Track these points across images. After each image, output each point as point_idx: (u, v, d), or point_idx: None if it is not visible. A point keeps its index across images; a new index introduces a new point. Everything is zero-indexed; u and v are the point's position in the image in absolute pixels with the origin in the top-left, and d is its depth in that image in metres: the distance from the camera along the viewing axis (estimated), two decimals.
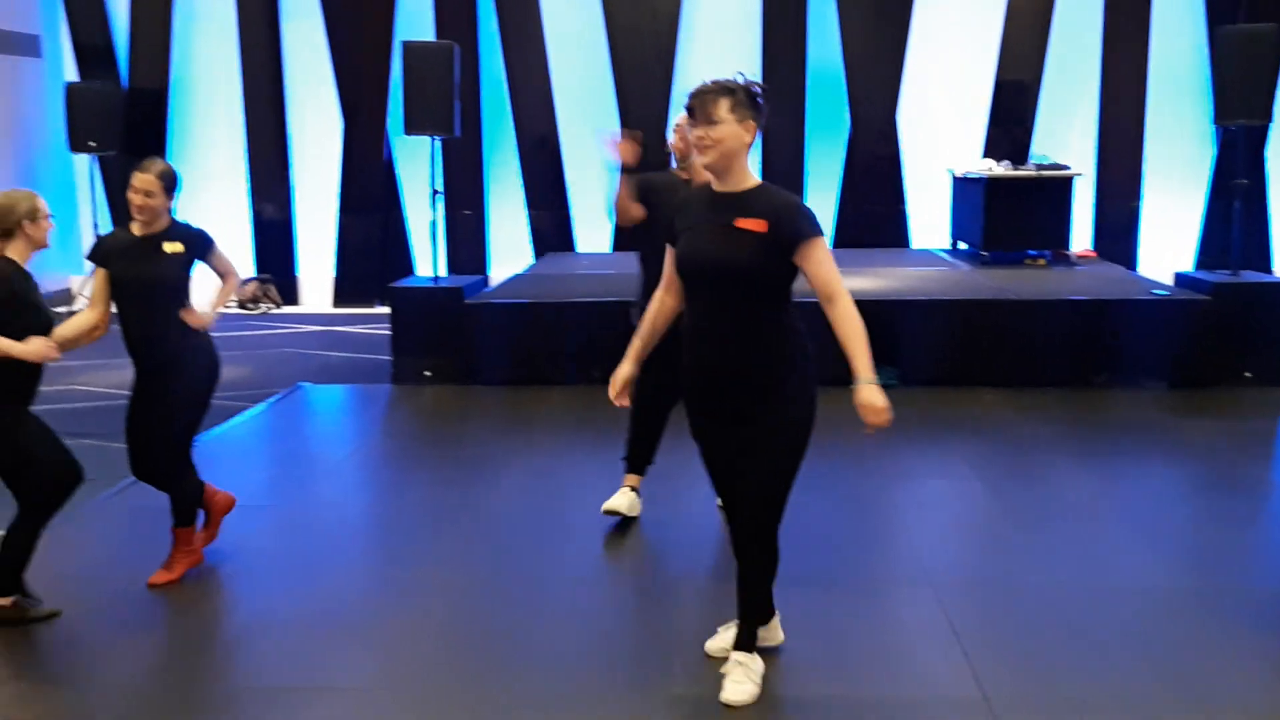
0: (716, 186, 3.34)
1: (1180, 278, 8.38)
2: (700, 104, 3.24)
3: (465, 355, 7.83)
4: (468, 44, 10.47)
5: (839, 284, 3.26)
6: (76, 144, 10.75)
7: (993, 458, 6.03)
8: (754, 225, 3.22)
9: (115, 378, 7.47)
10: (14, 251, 3.87)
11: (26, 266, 3.95)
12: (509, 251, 11.24)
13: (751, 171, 3.35)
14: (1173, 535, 4.90)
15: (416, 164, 10.70)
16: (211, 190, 11.22)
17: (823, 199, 10.86)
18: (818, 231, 3.27)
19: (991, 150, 10.46)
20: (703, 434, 3.47)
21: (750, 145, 3.29)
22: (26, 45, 11.23)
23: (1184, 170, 10.77)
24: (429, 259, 8.46)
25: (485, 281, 9.28)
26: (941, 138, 10.81)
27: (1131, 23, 10.59)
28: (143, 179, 4.20)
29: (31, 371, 3.92)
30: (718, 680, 3.46)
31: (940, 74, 10.86)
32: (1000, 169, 9.33)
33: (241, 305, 11.15)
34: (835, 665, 3.67)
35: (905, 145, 10.90)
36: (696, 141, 3.26)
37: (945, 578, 4.37)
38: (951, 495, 5.52)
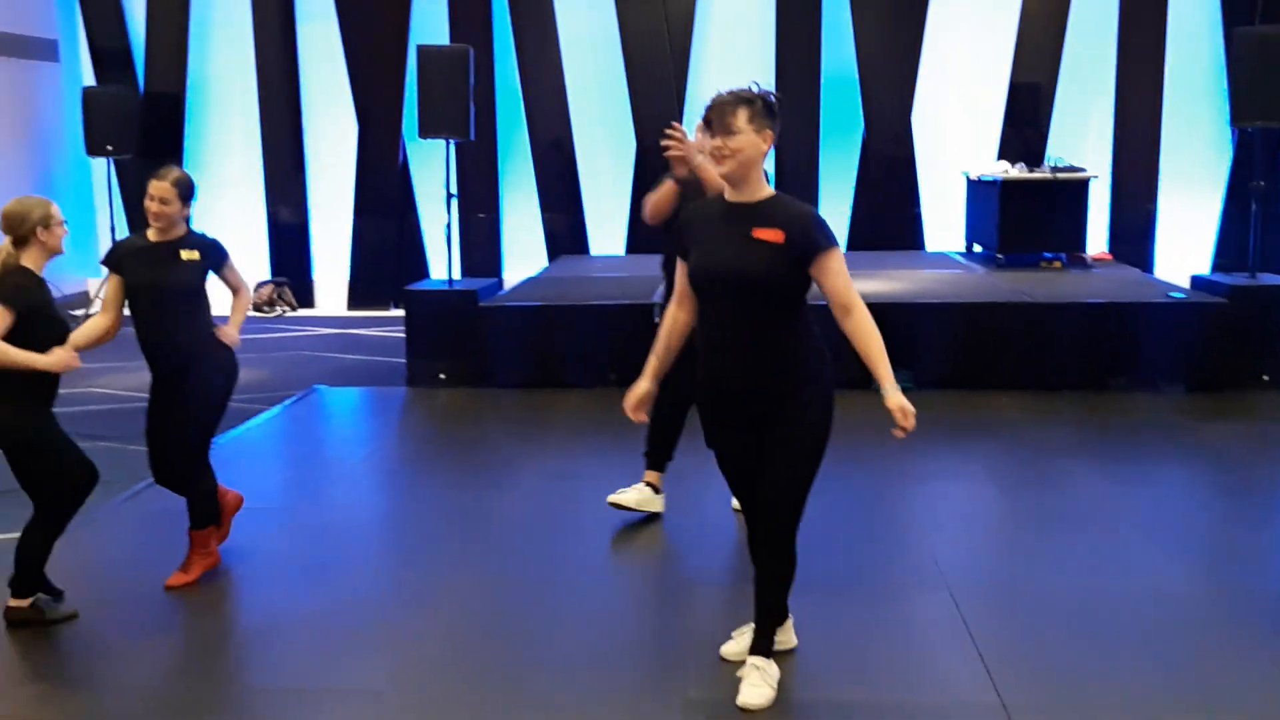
0: (730, 197, 3.34)
1: (1197, 280, 8.34)
2: (719, 115, 3.24)
3: (480, 358, 7.84)
4: (482, 48, 10.48)
5: (854, 295, 3.28)
6: (93, 148, 10.81)
7: (1008, 461, 6.01)
8: (771, 236, 3.22)
9: (132, 380, 7.51)
10: (29, 259, 3.90)
11: (42, 272, 3.97)
12: (523, 254, 11.26)
13: (765, 182, 3.35)
14: (1191, 539, 4.87)
15: (431, 167, 10.72)
16: (227, 193, 11.28)
17: (837, 202, 10.84)
18: (833, 243, 3.28)
19: (1006, 153, 10.42)
20: (719, 443, 3.47)
21: (766, 154, 3.30)
22: (44, 50, 11.30)
23: (1200, 172, 10.72)
24: (444, 262, 8.48)
25: (499, 284, 9.29)
26: (956, 140, 10.78)
27: (1147, 24, 10.54)
28: (159, 186, 4.24)
29: (53, 376, 3.95)
30: (733, 684, 3.45)
31: (955, 76, 10.84)
32: (1015, 171, 9.30)
33: (257, 308, 11.19)
34: (851, 669, 3.66)
35: (920, 148, 10.87)
36: (714, 152, 3.26)
37: (961, 581, 4.36)
38: (967, 499, 5.50)
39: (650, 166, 10.59)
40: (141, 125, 11.14)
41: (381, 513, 5.56)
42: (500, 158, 11.26)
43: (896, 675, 3.62)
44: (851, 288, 3.29)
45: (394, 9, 11.14)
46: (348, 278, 11.61)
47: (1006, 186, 9.08)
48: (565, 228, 11.27)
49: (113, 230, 10.75)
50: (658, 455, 5.09)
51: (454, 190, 8.43)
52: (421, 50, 8.46)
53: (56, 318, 3.96)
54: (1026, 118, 10.71)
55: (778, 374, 3.29)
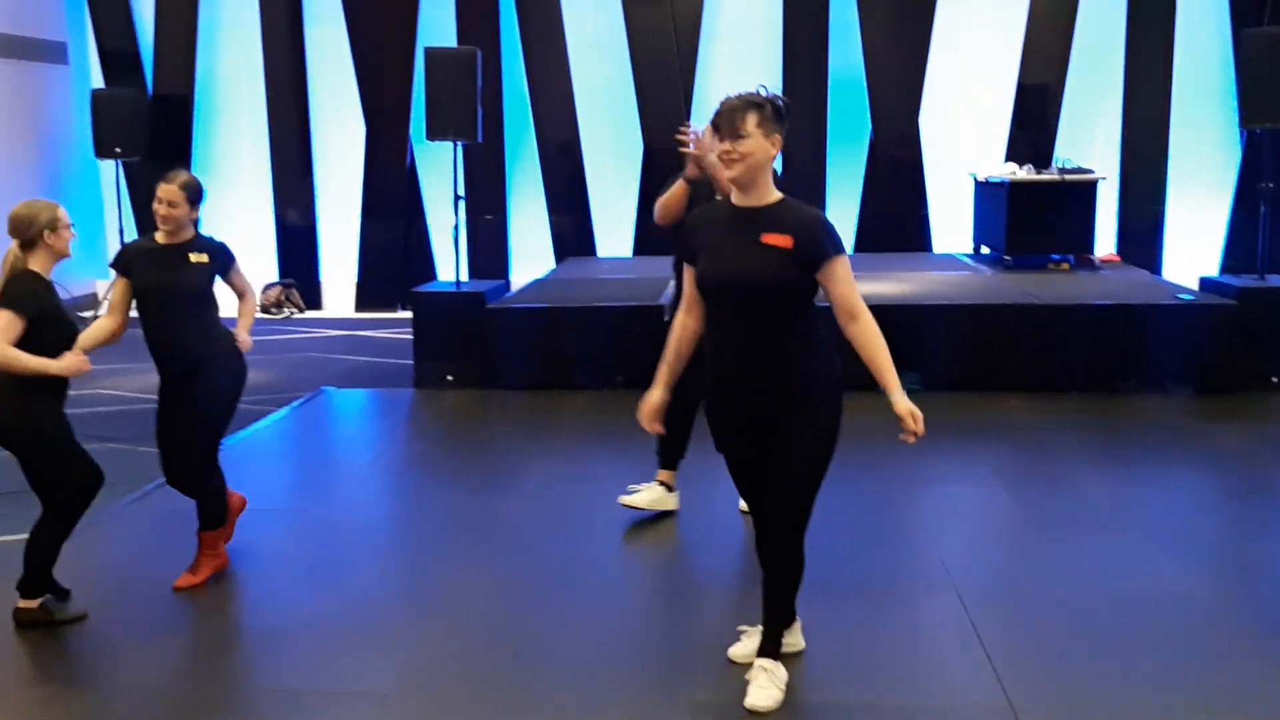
0: (738, 201, 3.34)
1: (1205, 282, 8.32)
2: (728, 119, 3.24)
3: (487, 360, 7.85)
4: (490, 50, 10.50)
5: (860, 302, 3.29)
6: (102, 150, 10.84)
7: (1017, 463, 6.00)
8: (780, 241, 3.22)
9: (140, 382, 7.53)
10: (36, 262, 3.91)
11: (49, 275, 3.98)
12: (530, 256, 11.27)
13: (773, 186, 3.35)
14: (1199, 542, 4.86)
15: (438, 169, 10.73)
16: (235, 195, 11.31)
17: (844, 204, 10.84)
18: (841, 250, 3.28)
19: (1014, 154, 10.41)
20: (728, 445, 3.47)
21: (774, 159, 3.30)
22: (53, 52, 11.34)
23: (1209, 174, 10.70)
24: (451, 264, 8.49)
25: (507, 286, 9.30)
26: (963, 142, 10.77)
27: (1155, 25, 10.52)
28: (166, 189, 4.26)
29: (63, 377, 3.97)
30: (741, 686, 3.45)
31: (962, 77, 10.82)
32: (1023, 173, 9.28)
33: (265, 310, 11.22)
34: (859, 672, 3.66)
35: (927, 149, 10.87)
36: (723, 155, 3.26)
37: (970, 584, 4.35)
38: (975, 501, 5.49)
39: (658, 168, 10.60)
40: (150, 127, 11.18)
41: (389, 514, 5.56)
42: (507, 160, 11.27)
43: (904, 678, 3.62)
44: (857, 295, 3.29)
45: (401, 11, 11.16)
46: (355, 280, 11.63)
47: (1014, 188, 9.07)
48: (572, 230, 11.28)
49: (121, 232, 10.78)
50: (669, 454, 5.09)
51: (461, 192, 8.44)
52: (429, 52, 8.47)
53: (66, 320, 3.98)
54: (1034, 119, 10.70)
55: (786, 377, 3.29)
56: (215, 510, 4.47)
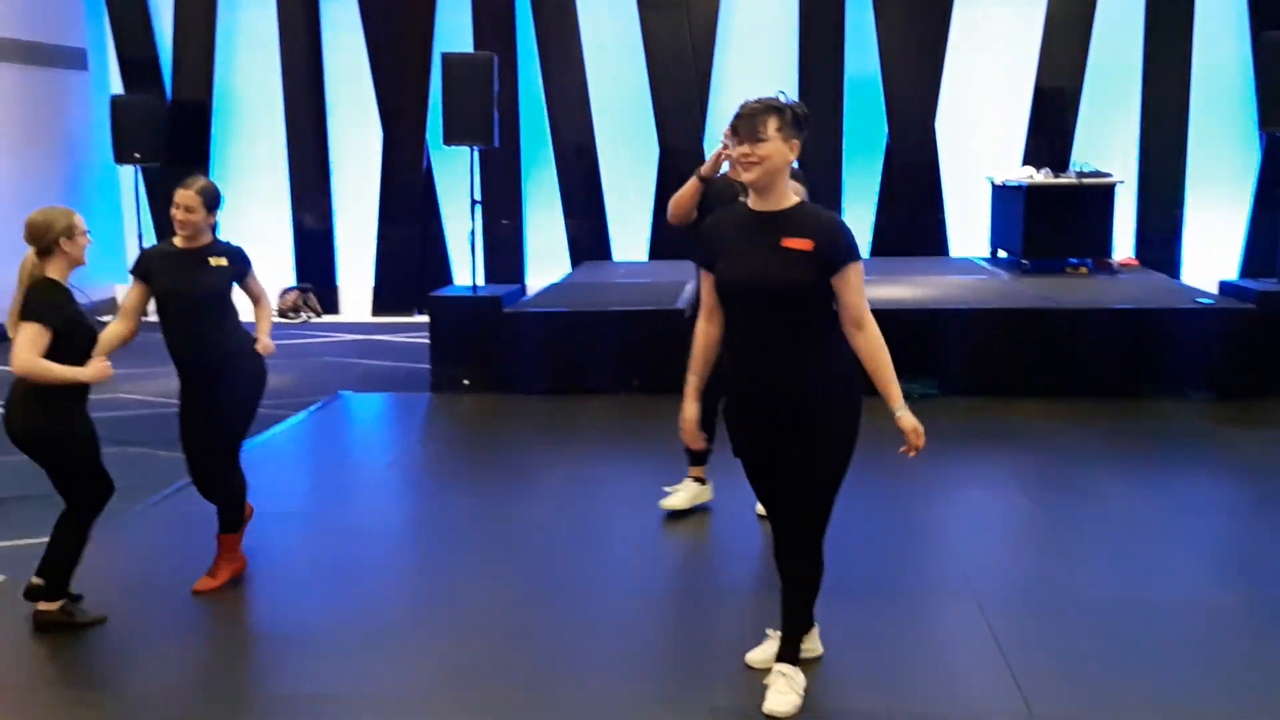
0: (756, 205, 3.34)
1: (1225, 286, 8.27)
2: (747, 122, 3.24)
3: (503, 364, 7.86)
4: (506, 55, 10.53)
5: (868, 312, 3.30)
6: (121, 156, 10.91)
7: (1035, 468, 5.97)
8: (800, 244, 3.22)
9: (160, 386, 7.57)
10: (54, 269, 3.93)
11: (66, 282, 4.00)
12: (546, 260, 11.29)
13: (790, 191, 3.34)
14: (1220, 547, 4.83)
15: (455, 174, 10.76)
16: (253, 200, 11.36)
17: (861, 207, 10.82)
18: (858, 256, 3.29)
19: (1031, 158, 10.38)
20: (748, 451, 3.46)
21: (791, 164, 3.30)
22: (73, 59, 11.43)
23: (1228, 177, 10.64)
24: (467, 268, 8.50)
25: (523, 290, 9.32)
26: (981, 145, 10.74)
27: (1174, 28, 10.47)
28: (184, 195, 4.28)
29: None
30: (759, 691, 3.44)
31: (979, 81, 10.79)
32: (1040, 177, 9.25)
33: (282, 314, 11.27)
34: (878, 677, 3.65)
35: (944, 153, 10.84)
36: (741, 159, 3.26)
37: (989, 589, 4.33)
38: (994, 506, 5.47)
39: (674, 172, 10.61)
40: (169, 133, 11.23)
41: (406, 518, 5.57)
42: (523, 164, 11.29)
43: (923, 684, 3.60)
44: (866, 304, 3.30)
45: (418, 17, 11.20)
46: (372, 284, 11.67)
47: (1032, 192, 9.04)
48: (588, 234, 11.29)
49: (140, 238, 10.85)
50: (697, 451, 5.09)
51: (478, 197, 8.46)
52: (446, 58, 8.49)
53: (86, 325, 4.00)
54: (1052, 122, 10.66)
55: (806, 380, 3.28)
56: (236, 513, 4.49)
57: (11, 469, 5.12)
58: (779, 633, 3.53)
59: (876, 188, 10.92)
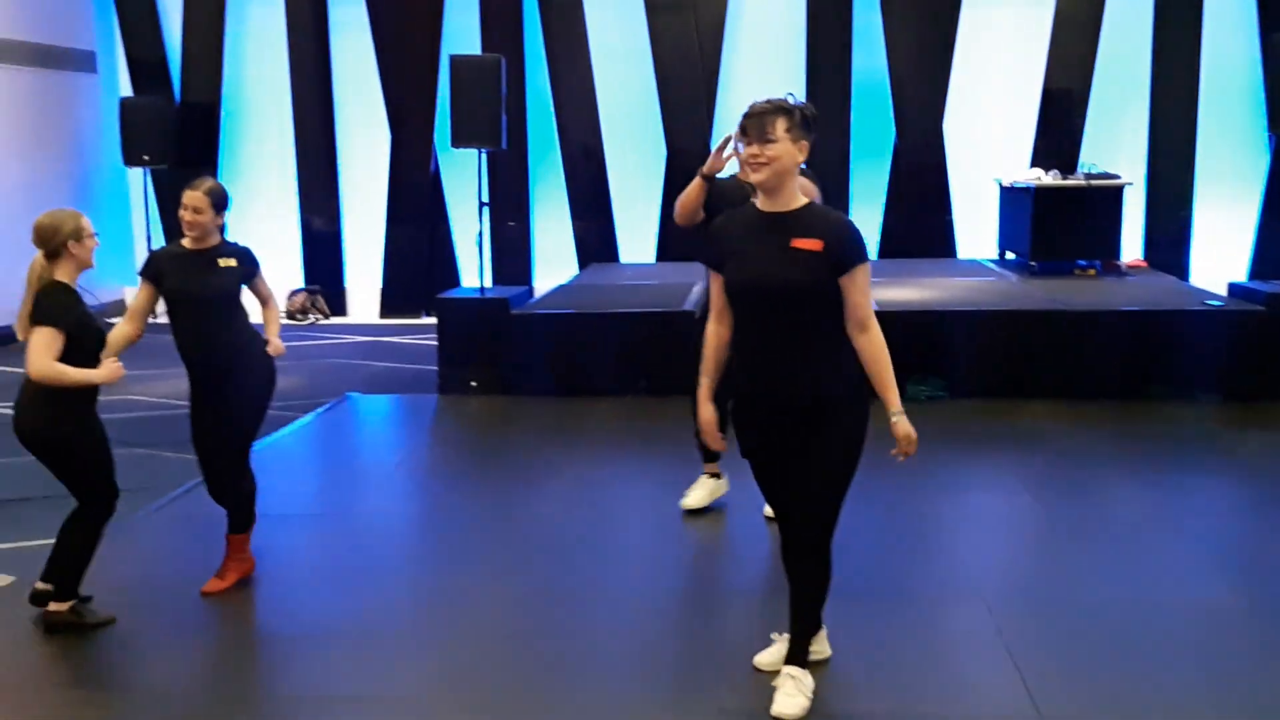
0: (764, 206, 3.34)
1: (1234, 288, 8.25)
2: (756, 123, 3.24)
3: (511, 365, 7.86)
4: (514, 57, 10.54)
5: (872, 314, 3.30)
6: (130, 158, 10.96)
7: (1043, 471, 5.95)
8: (810, 245, 3.22)
9: (168, 388, 7.59)
10: (62, 272, 3.94)
11: (75, 285, 4.01)
12: (553, 262, 11.30)
13: (799, 191, 3.34)
14: (1228, 550, 4.81)
15: (463, 176, 10.78)
16: (261, 202, 11.38)
17: (868, 209, 10.81)
18: (866, 257, 3.30)
19: (1040, 159, 10.35)
20: (757, 452, 3.46)
21: (800, 165, 3.30)
22: (83, 61, 11.47)
23: (1237, 179, 10.61)
24: (475, 270, 8.51)
25: (530, 292, 9.32)
26: (989, 147, 10.72)
27: (1182, 29, 10.45)
28: (191, 196, 4.30)
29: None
30: (767, 694, 3.44)
31: (987, 82, 10.78)
32: (1049, 178, 9.23)
33: (290, 316, 11.29)
34: (886, 680, 3.64)
35: (952, 154, 10.83)
36: (750, 159, 3.26)
37: (997, 592, 4.32)
38: (1002, 508, 5.46)
39: (681, 174, 10.60)
40: (177, 135, 11.28)
41: (413, 519, 5.58)
42: (531, 166, 11.31)
43: (931, 686, 3.60)
44: (871, 306, 3.30)
45: (426, 19, 11.22)
46: (380, 286, 11.69)
47: (1040, 193, 9.02)
48: (596, 236, 11.29)
49: (149, 239, 10.88)
50: (708, 449, 5.10)
51: (486, 199, 8.47)
52: (454, 60, 8.51)
53: (95, 327, 4.02)
54: (1060, 124, 10.64)
55: (815, 380, 3.29)
56: (246, 513, 4.50)
57: (18, 470, 5.14)
58: (787, 635, 3.52)
59: (884, 189, 10.91)
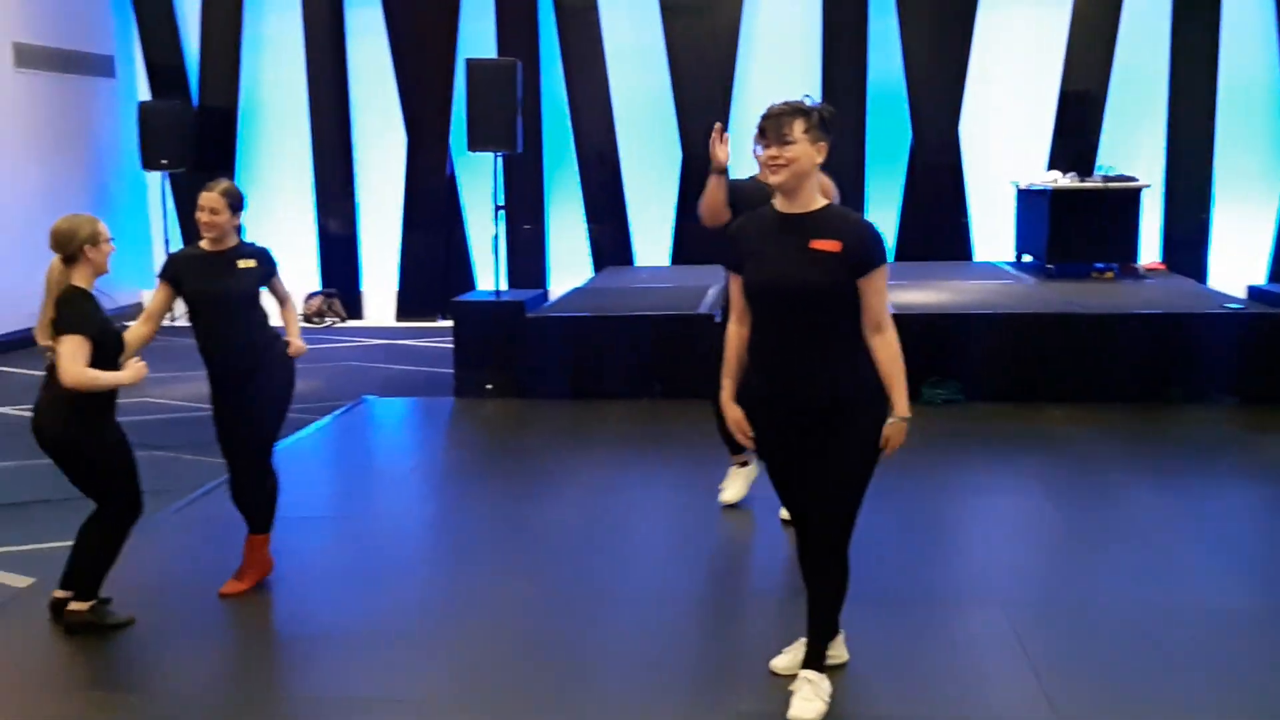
0: (783, 207, 3.33)
1: (1254, 291, 8.20)
2: (774, 124, 3.24)
3: (526, 369, 7.87)
4: (529, 61, 10.56)
5: (888, 315, 3.30)
6: (149, 162, 11.03)
7: (1061, 474, 5.93)
8: (828, 246, 3.22)
9: (187, 390, 7.62)
10: (79, 277, 3.97)
11: (92, 289, 4.03)
12: (569, 265, 11.32)
13: (819, 193, 3.34)
14: (1247, 554, 4.78)
15: (478, 179, 10.81)
16: (278, 206, 11.44)
17: (884, 212, 10.79)
18: (885, 259, 3.30)
19: (1056, 162, 10.32)
20: (773, 453, 3.46)
21: (818, 166, 3.30)
22: (101, 66, 11.54)
23: (1256, 180, 10.55)
24: (490, 273, 8.53)
25: (545, 295, 9.33)
26: (1005, 149, 10.69)
27: (1200, 30, 10.40)
28: (207, 197, 4.32)
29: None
30: (784, 698, 3.43)
31: (1003, 84, 10.75)
32: (1066, 180, 9.20)
33: (307, 319, 11.33)
34: (904, 684, 3.63)
35: (968, 157, 10.80)
36: (768, 161, 3.26)
37: (1015, 596, 4.30)
38: (1020, 512, 5.43)
39: (697, 177, 10.59)
40: (195, 139, 11.34)
41: (430, 522, 5.59)
42: (546, 170, 11.33)
43: (949, 691, 3.58)
44: (888, 307, 3.30)
45: (442, 24, 11.25)
46: (396, 289, 11.73)
47: (1057, 196, 8.99)
48: (610, 239, 11.31)
49: (166, 243, 10.94)
50: (734, 443, 5.11)
51: (501, 202, 8.49)
52: (470, 64, 8.53)
53: (114, 330, 4.05)
54: (1077, 126, 10.60)
55: (833, 382, 3.28)
56: (268, 513, 4.52)
57: (36, 473, 5.17)
58: (803, 639, 3.51)
59: (900, 192, 10.89)
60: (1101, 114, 10.58)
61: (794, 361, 3.30)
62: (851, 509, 3.35)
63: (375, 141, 11.62)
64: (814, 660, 3.45)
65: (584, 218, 11.34)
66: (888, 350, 3.28)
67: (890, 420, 3.30)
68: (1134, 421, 6.91)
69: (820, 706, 3.38)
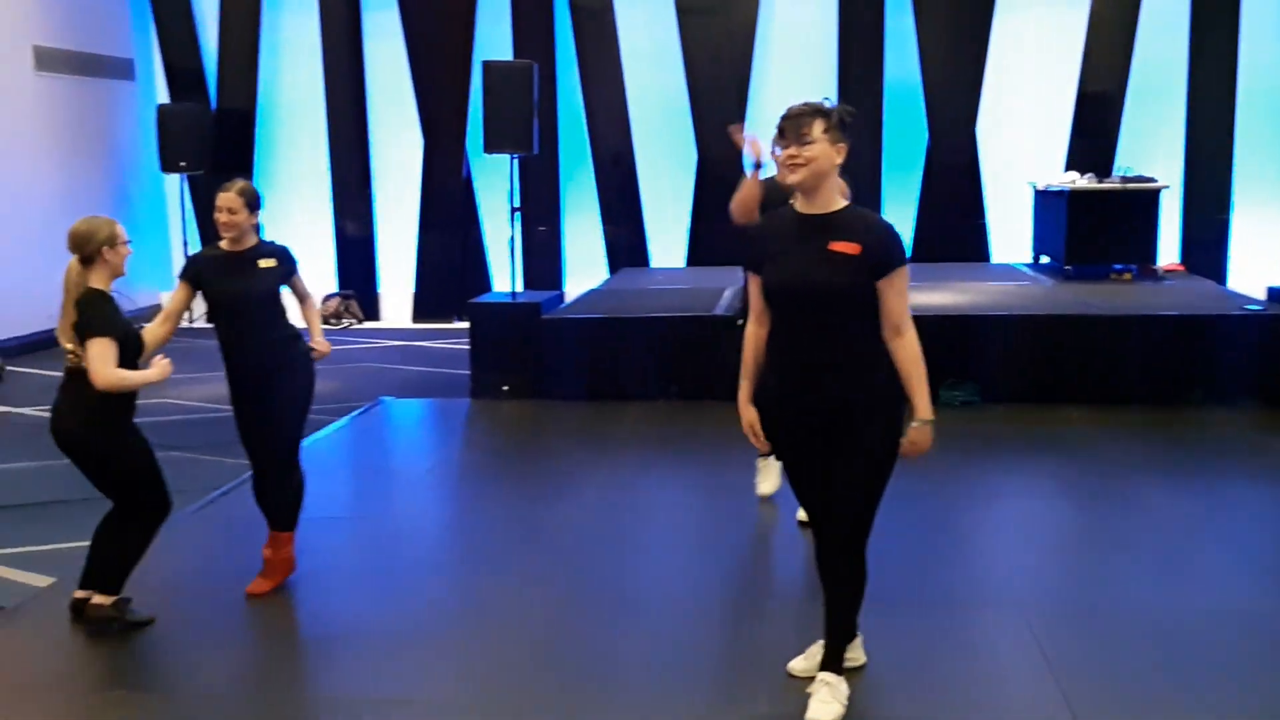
0: (803, 208, 3.33)
1: (1274, 292, 8.13)
2: (794, 124, 3.23)
3: (542, 370, 7.88)
4: (545, 63, 10.57)
5: (909, 318, 3.29)
6: (168, 164, 11.09)
7: (1080, 477, 5.90)
8: (848, 248, 3.21)
9: (206, 391, 7.66)
10: (96, 279, 3.99)
11: (110, 291, 4.06)
12: (584, 267, 11.33)
13: (838, 194, 3.33)
14: (1267, 557, 4.75)
15: (495, 181, 10.83)
16: (296, 208, 11.49)
17: (901, 213, 10.76)
18: (905, 260, 3.29)
19: (1074, 163, 10.26)
20: (792, 453, 3.45)
21: (838, 167, 3.29)
22: (120, 69, 11.62)
23: (1276, 182, 10.47)
24: (506, 275, 8.54)
25: (561, 297, 9.34)
26: (1022, 150, 10.65)
27: (1219, 30, 10.33)
28: (225, 197, 4.35)
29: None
30: (801, 701, 3.42)
31: (1021, 85, 10.71)
32: (1084, 182, 9.15)
33: (324, 321, 11.36)
34: (922, 688, 3.62)
35: (985, 158, 10.76)
36: (787, 161, 3.25)
37: (1034, 600, 4.28)
38: (1039, 515, 5.41)
39: (712, 179, 10.62)
40: (214, 142, 11.40)
41: (447, 523, 5.61)
42: (562, 171, 11.34)
43: (967, 694, 3.57)
44: (908, 309, 3.28)
45: (459, 26, 11.28)
46: (413, 291, 11.76)
47: (1075, 197, 8.95)
48: (626, 240, 11.31)
49: (185, 245, 10.99)
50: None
51: (517, 204, 8.50)
52: (487, 66, 8.54)
53: (134, 332, 4.07)
54: (1095, 126, 10.55)
55: (852, 383, 3.28)
56: (293, 511, 4.54)
57: (55, 474, 5.20)
58: (822, 642, 3.51)
59: (917, 193, 10.86)
60: (1120, 114, 10.53)
61: (812, 363, 3.29)
62: (869, 511, 3.34)
63: (392, 143, 11.65)
64: (832, 663, 3.44)
65: (600, 219, 11.35)
66: (908, 352, 3.27)
67: (914, 424, 3.29)
68: (1153, 424, 6.87)
69: (838, 709, 3.37)
